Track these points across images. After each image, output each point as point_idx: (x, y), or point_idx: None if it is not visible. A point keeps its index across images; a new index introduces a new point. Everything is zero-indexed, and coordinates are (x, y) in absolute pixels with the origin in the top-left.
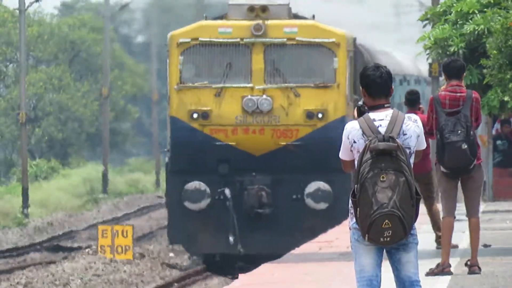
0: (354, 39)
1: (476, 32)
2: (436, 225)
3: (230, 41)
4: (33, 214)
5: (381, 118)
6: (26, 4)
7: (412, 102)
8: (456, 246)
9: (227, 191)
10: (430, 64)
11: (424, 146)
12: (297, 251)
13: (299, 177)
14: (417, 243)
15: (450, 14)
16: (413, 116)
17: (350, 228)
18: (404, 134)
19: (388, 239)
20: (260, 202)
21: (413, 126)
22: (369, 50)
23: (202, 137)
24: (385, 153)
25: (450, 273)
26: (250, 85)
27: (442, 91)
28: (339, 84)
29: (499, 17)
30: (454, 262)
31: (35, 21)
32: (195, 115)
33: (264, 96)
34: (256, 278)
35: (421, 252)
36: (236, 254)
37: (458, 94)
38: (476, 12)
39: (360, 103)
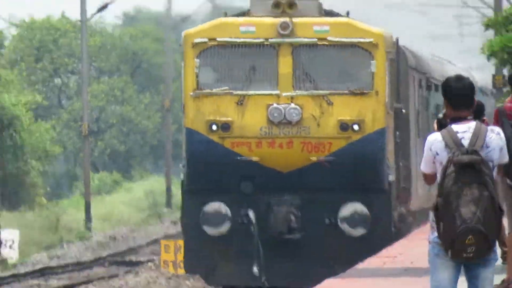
0: (397, 40)
1: None
2: (501, 241)
3: (253, 42)
4: (96, 228)
5: (464, 130)
6: (88, 15)
7: (477, 113)
8: None
9: (251, 214)
10: (494, 76)
11: (507, 159)
12: (360, 266)
13: (332, 198)
14: (496, 260)
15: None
16: (496, 128)
17: (429, 242)
18: (487, 147)
19: (471, 254)
20: (289, 227)
21: (496, 139)
22: (415, 53)
23: (222, 152)
24: (468, 167)
25: None
26: (277, 92)
27: (507, 103)
28: (377, 91)
29: None
30: None
31: (97, 31)
32: (214, 127)
33: (292, 105)
34: None
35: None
36: (260, 287)
37: None
38: None
39: (441, 115)
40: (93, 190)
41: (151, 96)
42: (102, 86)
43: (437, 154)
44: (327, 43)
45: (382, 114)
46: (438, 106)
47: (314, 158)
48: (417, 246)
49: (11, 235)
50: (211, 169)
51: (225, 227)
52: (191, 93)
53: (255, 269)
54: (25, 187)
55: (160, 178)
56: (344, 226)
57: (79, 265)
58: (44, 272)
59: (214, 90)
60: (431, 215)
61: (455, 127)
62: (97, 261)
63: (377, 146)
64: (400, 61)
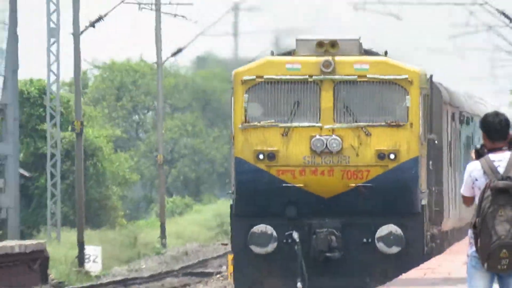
0: (430, 77)
1: None
2: None
3: (298, 78)
4: (169, 244)
5: (500, 159)
6: (163, 59)
7: (510, 145)
8: None
9: (295, 235)
10: None
11: None
12: (403, 276)
13: (370, 220)
14: None
15: None
16: None
17: (468, 256)
18: None
19: (505, 267)
20: (330, 246)
21: None
22: (449, 89)
23: (268, 178)
24: (503, 191)
25: None
26: (319, 124)
27: None
28: (412, 123)
29: None
30: None
31: (171, 73)
32: (261, 156)
33: (334, 136)
34: None
35: None
36: None
37: None
38: None
39: (478, 146)
40: (167, 212)
41: (219, 130)
42: (175, 121)
43: (476, 180)
44: (366, 80)
45: (416, 144)
46: (468, 138)
47: (353, 185)
48: (453, 260)
49: (95, 251)
50: (258, 194)
51: (271, 247)
52: (240, 126)
53: (299, 285)
54: (106, 210)
55: (227, 201)
56: (380, 245)
57: (155, 277)
58: (124, 283)
59: (261, 123)
60: (470, 232)
61: (492, 156)
62: (171, 273)
63: (411, 174)
64: (434, 96)
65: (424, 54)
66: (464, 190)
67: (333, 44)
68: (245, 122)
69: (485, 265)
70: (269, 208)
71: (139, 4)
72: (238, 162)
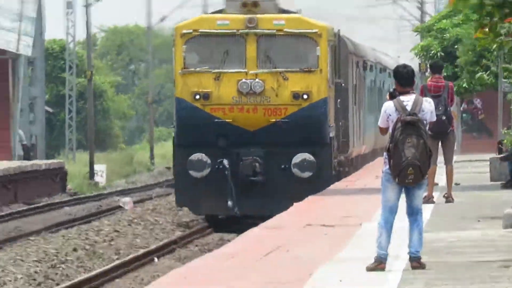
0: (338, 31)
1: (453, 39)
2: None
3: (227, 32)
4: (157, 163)
5: (408, 100)
6: (153, 23)
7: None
8: (437, 184)
9: (225, 162)
10: (419, 64)
11: (434, 119)
12: (332, 187)
13: (287, 150)
14: (425, 184)
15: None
16: (428, 99)
17: (382, 172)
18: (423, 111)
19: (411, 181)
20: (254, 171)
21: (428, 106)
22: (354, 42)
23: (203, 115)
24: (410, 124)
25: (433, 202)
26: (245, 70)
27: (428, 81)
28: (321, 69)
29: (469, 31)
30: (436, 195)
31: (159, 34)
32: (197, 96)
33: (257, 80)
34: (308, 205)
35: None
36: (233, 215)
37: (440, 84)
38: (450, 28)
39: (391, 90)
40: (155, 139)
41: None
42: (162, 71)
43: (390, 115)
44: (283, 34)
45: (325, 87)
46: (371, 81)
47: (273, 120)
48: (366, 177)
49: (101, 168)
50: (195, 128)
51: (206, 172)
52: (180, 71)
53: (230, 203)
54: (110, 137)
55: None
56: (296, 170)
57: (146, 187)
58: (123, 192)
59: (197, 69)
60: (385, 154)
61: (402, 98)
62: (158, 184)
63: (321, 111)
64: (341, 47)
65: (343, 20)
66: (381, 123)
67: (255, 3)
68: (184, 68)
69: (396, 179)
70: (204, 139)
71: None
72: (178, 101)
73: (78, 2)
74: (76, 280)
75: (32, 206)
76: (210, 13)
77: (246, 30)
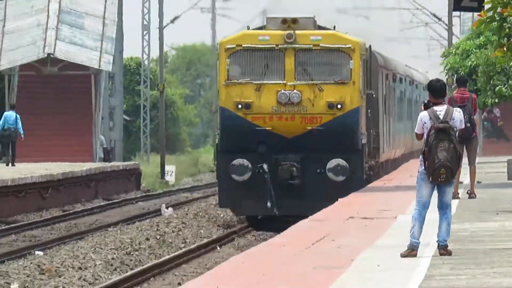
0: (369, 46)
1: (473, 65)
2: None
3: (267, 47)
4: None
5: (440, 110)
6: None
7: (437, 92)
8: (461, 182)
9: (265, 166)
10: (446, 79)
11: (463, 126)
12: (370, 185)
13: (322, 155)
14: (454, 183)
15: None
16: (458, 109)
17: (418, 172)
18: (453, 119)
19: (443, 179)
20: (292, 175)
21: (458, 115)
22: (384, 56)
23: (245, 123)
24: (442, 130)
25: (458, 198)
26: (284, 81)
27: (454, 93)
28: (354, 81)
29: (485, 55)
30: (460, 192)
31: None
32: (239, 106)
33: (295, 91)
34: (351, 200)
35: None
36: (272, 216)
37: (465, 95)
38: (474, 50)
39: (426, 101)
40: None
41: None
42: None
43: (425, 123)
44: (319, 48)
45: (357, 97)
46: (401, 92)
47: (309, 128)
48: (401, 176)
49: (171, 168)
50: (237, 135)
51: (247, 176)
52: (223, 83)
53: (269, 204)
54: (179, 142)
55: None
56: (330, 174)
57: (209, 185)
58: (190, 190)
59: (239, 81)
60: (420, 157)
61: (435, 108)
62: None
63: (353, 120)
64: (372, 61)
65: (382, 40)
66: (417, 129)
67: (294, 21)
68: (228, 80)
69: (430, 178)
70: (246, 146)
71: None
72: (222, 110)
73: (152, 24)
74: (147, 265)
75: (111, 201)
76: (252, 29)
77: (285, 45)
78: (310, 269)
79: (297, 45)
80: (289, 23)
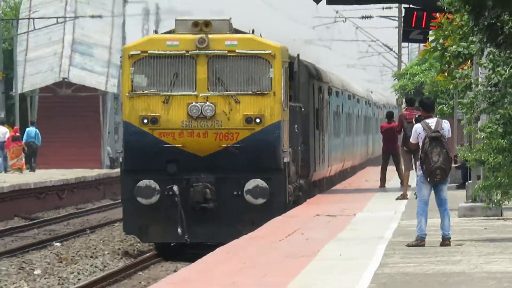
0: (297, 56)
1: (419, 82)
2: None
3: (176, 53)
4: None
5: (432, 122)
6: None
7: (427, 106)
8: (410, 186)
9: (175, 188)
10: (397, 99)
11: (450, 135)
12: (335, 187)
13: (239, 175)
14: (448, 181)
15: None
16: (446, 120)
17: (417, 176)
18: (443, 129)
19: (439, 179)
20: (205, 198)
21: (446, 126)
22: (316, 67)
23: (152, 140)
24: (435, 138)
25: (406, 198)
26: (195, 93)
27: (404, 111)
28: (275, 92)
29: (430, 76)
30: (409, 193)
31: None
32: (145, 120)
33: (208, 103)
34: (317, 200)
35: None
36: (183, 243)
37: (412, 113)
38: (419, 72)
39: (417, 116)
40: None
41: None
42: None
43: (419, 133)
44: (235, 55)
45: (278, 110)
46: (338, 107)
47: (224, 145)
48: (358, 182)
49: None
50: (143, 153)
51: (154, 198)
52: (127, 94)
53: (179, 230)
54: None
55: None
56: (248, 197)
57: None
58: None
59: (145, 92)
60: (418, 163)
61: (427, 120)
62: None
63: (274, 136)
64: (301, 72)
65: (344, 67)
66: (412, 140)
67: (207, 23)
68: (132, 91)
69: (428, 179)
70: (153, 165)
71: None
72: (126, 125)
73: None
74: (147, 255)
75: (116, 201)
76: (160, 33)
77: (197, 51)
78: (284, 258)
79: (210, 51)
80: (201, 26)
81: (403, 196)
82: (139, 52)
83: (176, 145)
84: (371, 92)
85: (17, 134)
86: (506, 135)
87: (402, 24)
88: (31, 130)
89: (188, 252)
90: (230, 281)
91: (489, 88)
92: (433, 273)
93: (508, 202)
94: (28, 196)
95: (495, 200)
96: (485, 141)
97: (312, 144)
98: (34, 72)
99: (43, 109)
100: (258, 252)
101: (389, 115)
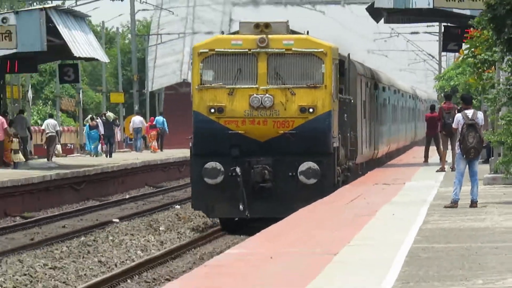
0: (348, 55)
1: (454, 84)
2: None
3: (240, 51)
4: None
5: (469, 112)
6: None
7: (467, 100)
8: (447, 161)
9: (237, 169)
10: (437, 95)
11: (483, 123)
12: (389, 162)
13: (294, 158)
14: (479, 158)
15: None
16: (480, 112)
17: (457, 153)
18: (477, 118)
19: (472, 155)
20: (264, 178)
21: (480, 116)
22: (364, 65)
23: (218, 127)
24: (471, 125)
25: (444, 171)
26: (256, 86)
27: (443, 104)
28: (326, 86)
29: (464, 79)
30: (446, 167)
31: None
32: (212, 110)
33: (267, 95)
34: (375, 173)
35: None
36: (244, 218)
37: (450, 106)
38: (455, 76)
39: (459, 107)
40: None
41: None
42: None
43: (459, 120)
44: (291, 52)
45: (329, 101)
46: (385, 100)
47: (281, 132)
48: (407, 158)
49: None
50: (210, 139)
51: (219, 179)
52: (196, 87)
53: (241, 207)
54: None
55: None
56: (302, 177)
57: None
58: None
59: (212, 85)
60: (457, 143)
61: (466, 111)
62: None
63: (325, 124)
64: (351, 69)
65: (395, 71)
66: (454, 125)
67: (267, 25)
68: (200, 84)
69: (464, 156)
70: (219, 149)
71: None
72: (196, 114)
73: None
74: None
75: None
76: (226, 34)
77: (258, 49)
78: (353, 216)
79: (269, 50)
80: (262, 27)
81: (442, 169)
82: (207, 50)
83: (239, 132)
84: (415, 89)
85: (154, 123)
86: None
87: (442, 38)
88: (159, 118)
89: (248, 226)
90: (309, 234)
91: (508, 87)
92: (464, 228)
93: None
94: (155, 170)
95: None
96: (504, 127)
97: (360, 131)
98: (161, 74)
99: (167, 103)
100: (330, 213)
101: (432, 107)
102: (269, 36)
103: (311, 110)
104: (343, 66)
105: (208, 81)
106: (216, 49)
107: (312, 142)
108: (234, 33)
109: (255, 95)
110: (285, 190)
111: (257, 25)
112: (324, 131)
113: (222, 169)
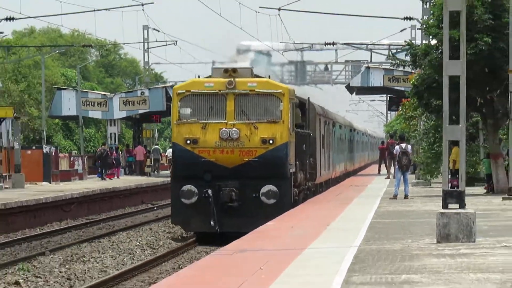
0: (308, 98)
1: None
2: (386, 168)
3: (212, 92)
4: None
5: (403, 145)
6: None
7: (402, 138)
8: (391, 173)
9: (209, 191)
10: (385, 135)
11: (411, 151)
12: (359, 173)
13: (257, 182)
14: (409, 171)
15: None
16: (409, 145)
17: (395, 168)
18: (408, 148)
19: (405, 169)
20: (231, 199)
21: (409, 147)
22: (322, 108)
23: (193, 156)
24: (404, 153)
25: (389, 178)
26: (225, 121)
27: (389, 140)
28: (283, 121)
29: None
30: (391, 176)
31: None
32: (188, 141)
33: (234, 128)
34: (351, 179)
35: (385, 174)
36: (215, 232)
37: (393, 141)
38: (395, 124)
39: (397, 142)
40: None
41: None
42: None
43: (397, 150)
44: (255, 93)
45: (286, 134)
46: (341, 135)
47: (246, 159)
48: (364, 176)
49: None
50: (186, 165)
51: (194, 199)
52: (175, 122)
53: (212, 223)
54: None
55: None
56: (263, 198)
57: None
58: None
59: (188, 120)
60: (396, 164)
61: (402, 144)
62: None
63: (283, 153)
64: (311, 110)
65: (343, 112)
66: (395, 152)
67: (234, 70)
68: (179, 119)
69: (400, 169)
70: (193, 174)
71: None
72: (174, 145)
73: None
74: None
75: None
76: (200, 78)
77: (226, 90)
78: (338, 203)
79: (236, 91)
80: (230, 72)
81: (388, 177)
82: (184, 91)
83: (211, 159)
84: (367, 129)
85: None
86: (429, 150)
87: (388, 103)
88: None
89: (218, 239)
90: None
91: (424, 131)
92: (401, 210)
93: (433, 179)
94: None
95: (428, 178)
96: (423, 154)
97: (319, 157)
98: None
99: None
100: (323, 201)
101: (382, 142)
102: (236, 79)
103: (271, 141)
104: (305, 107)
105: (185, 117)
106: (192, 90)
107: (272, 168)
108: (207, 77)
109: (224, 128)
110: (250, 209)
111: (226, 70)
112: (282, 159)
113: (196, 191)
